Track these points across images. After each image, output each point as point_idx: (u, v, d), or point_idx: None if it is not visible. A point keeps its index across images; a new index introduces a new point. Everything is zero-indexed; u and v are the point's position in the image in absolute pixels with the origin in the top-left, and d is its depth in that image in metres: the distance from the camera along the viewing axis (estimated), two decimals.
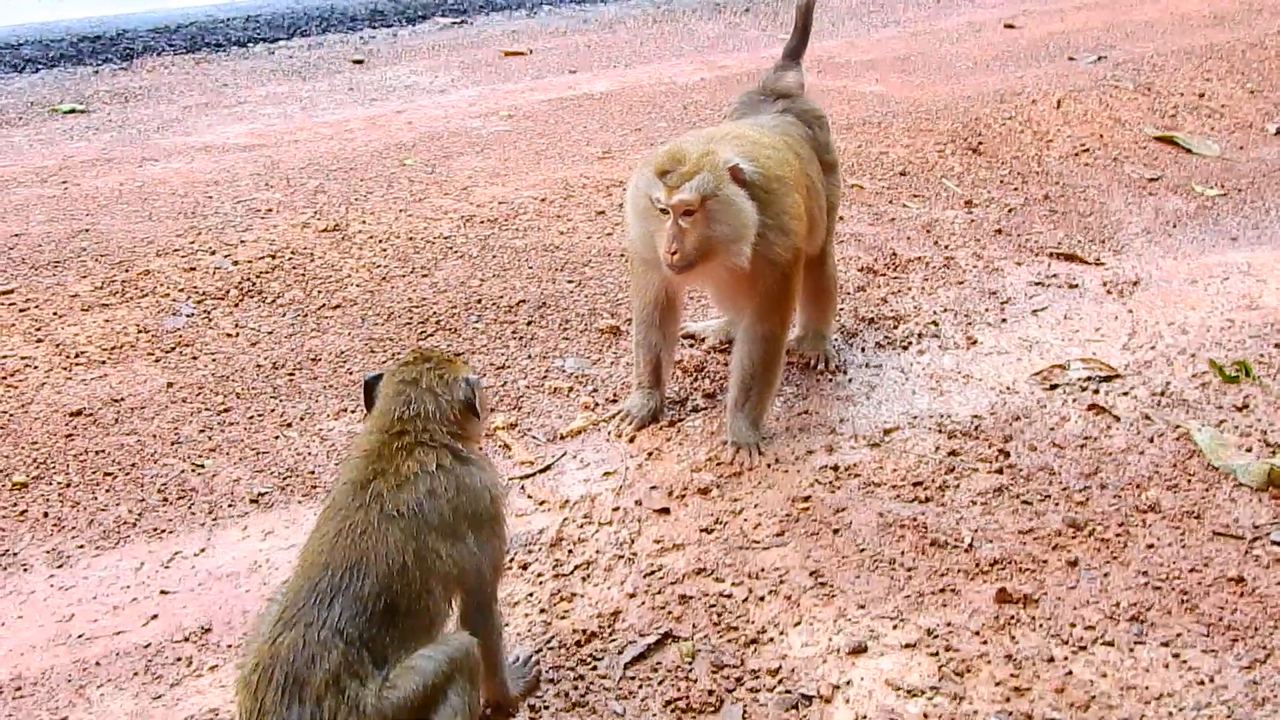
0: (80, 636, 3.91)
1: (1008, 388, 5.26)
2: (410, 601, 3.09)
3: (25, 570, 4.22)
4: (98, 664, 3.78)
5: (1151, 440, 4.82)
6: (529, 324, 5.73)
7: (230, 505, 4.52)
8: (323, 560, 3.10)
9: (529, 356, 5.50)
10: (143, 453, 4.78)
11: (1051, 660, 3.68)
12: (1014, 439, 4.84)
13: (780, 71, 5.51)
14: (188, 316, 5.59)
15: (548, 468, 4.75)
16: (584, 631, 3.83)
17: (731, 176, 4.43)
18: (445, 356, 3.50)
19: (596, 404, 5.16)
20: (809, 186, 4.96)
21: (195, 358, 5.33)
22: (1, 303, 5.77)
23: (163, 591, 4.08)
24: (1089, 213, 7.39)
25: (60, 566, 4.23)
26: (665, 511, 4.43)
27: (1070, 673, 3.64)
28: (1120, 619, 3.85)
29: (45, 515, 4.47)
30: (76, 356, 5.34)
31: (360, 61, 10.75)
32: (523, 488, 4.62)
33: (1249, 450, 4.74)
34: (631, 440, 4.88)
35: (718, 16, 12.92)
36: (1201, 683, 3.61)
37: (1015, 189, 7.66)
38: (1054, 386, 5.26)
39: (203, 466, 4.72)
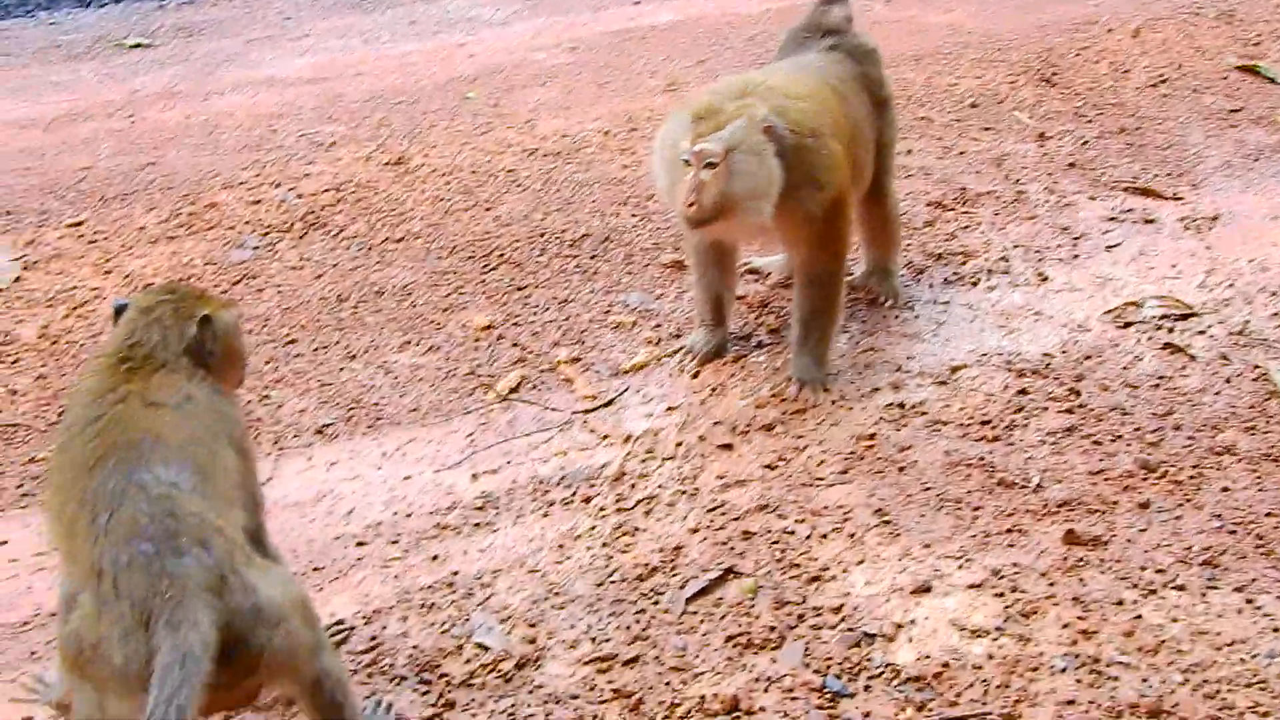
0: None
1: (1079, 325, 5.16)
2: (208, 463, 2.93)
3: None
4: None
5: (1228, 380, 4.72)
6: (592, 258, 5.69)
7: (295, 436, 4.55)
8: (97, 453, 2.86)
9: (592, 291, 5.46)
10: None
11: (1120, 603, 3.62)
12: (1085, 378, 4.76)
13: (827, 6, 5.34)
14: (253, 249, 5.60)
15: (610, 402, 4.73)
16: (646, 566, 3.82)
17: (763, 132, 4.32)
18: (195, 293, 3.30)
19: (660, 339, 5.12)
20: (853, 132, 4.84)
21: (261, 290, 5.35)
22: (70, 234, 5.81)
23: None
24: (1166, 146, 7.21)
25: None
26: (728, 447, 4.40)
27: (1139, 616, 3.57)
28: (1192, 563, 3.78)
29: None
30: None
31: None
32: (585, 422, 4.60)
33: None
34: (695, 376, 4.84)
35: None
36: (1276, 629, 3.54)
37: (1090, 121, 7.49)
38: (1127, 325, 5.16)
39: (269, 397, 4.74)
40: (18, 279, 5.58)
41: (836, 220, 4.65)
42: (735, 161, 4.26)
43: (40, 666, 3.53)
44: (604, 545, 3.93)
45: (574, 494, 4.17)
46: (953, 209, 6.25)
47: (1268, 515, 3.98)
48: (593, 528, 4.01)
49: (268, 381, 4.83)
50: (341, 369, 4.91)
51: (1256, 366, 4.79)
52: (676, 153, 4.36)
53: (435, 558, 3.93)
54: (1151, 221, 6.13)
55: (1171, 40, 8.70)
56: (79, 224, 5.86)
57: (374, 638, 3.61)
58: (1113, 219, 6.17)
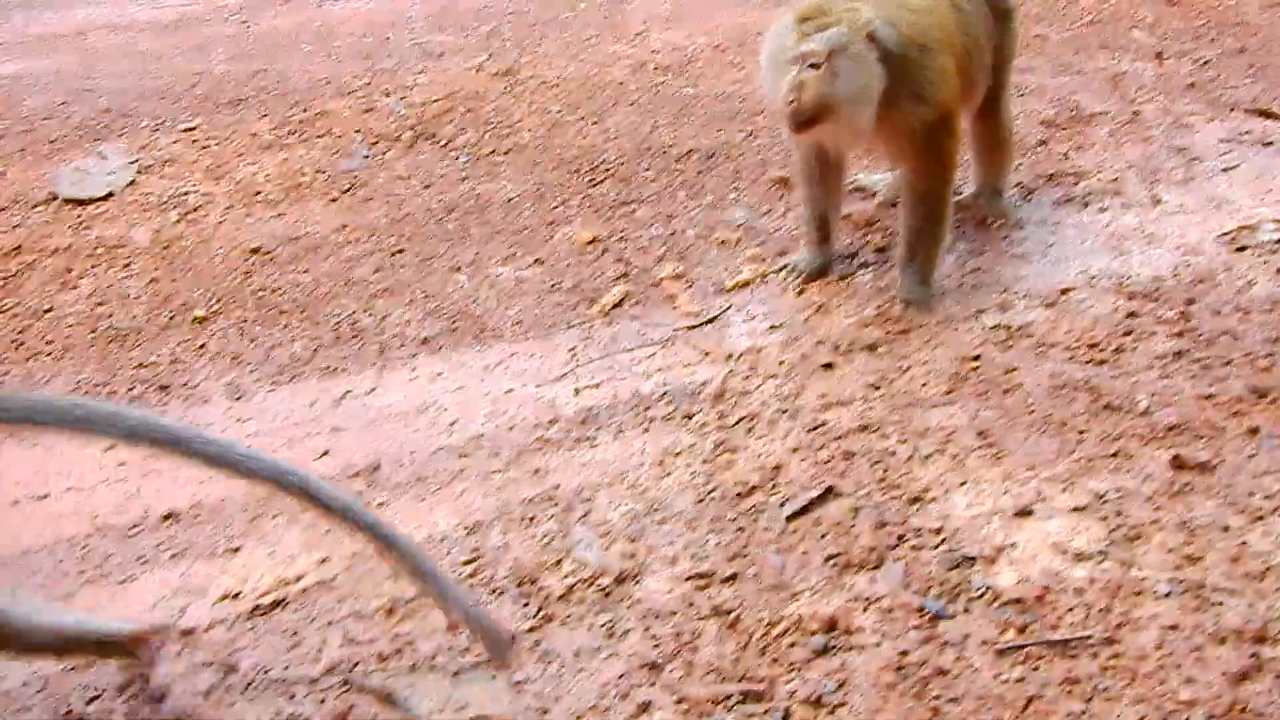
0: None
1: (1192, 248, 5.06)
2: None
3: (205, 402, 4.37)
4: (270, 497, 3.89)
5: None
6: (699, 174, 5.68)
7: (400, 346, 4.61)
8: None
9: (698, 207, 5.45)
10: (317, 291, 4.88)
11: (1227, 529, 3.58)
12: (1196, 301, 4.67)
13: None
14: (363, 158, 5.65)
15: (713, 319, 4.73)
16: (746, 484, 3.83)
17: (867, 38, 4.28)
18: None
19: (764, 257, 5.11)
20: (967, 46, 4.76)
21: (369, 200, 5.40)
22: (184, 139, 5.90)
23: (334, 429, 4.19)
24: None
25: (238, 399, 4.37)
26: (830, 367, 4.39)
27: (1245, 543, 3.53)
28: None
29: (223, 350, 4.62)
30: (255, 195, 5.45)
31: None
32: (688, 339, 4.61)
33: None
34: (799, 294, 4.83)
35: None
36: None
37: (1211, 40, 7.30)
38: (1242, 248, 5.05)
39: (374, 307, 4.81)
40: (132, 183, 5.69)
41: (944, 136, 4.59)
42: (837, 64, 4.23)
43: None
44: (704, 462, 3.94)
45: (675, 410, 4.18)
46: (1066, 128, 6.14)
47: None
48: (693, 445, 4.02)
49: (374, 291, 4.89)
50: (446, 281, 4.96)
51: None
52: (782, 53, 4.33)
53: (536, 471, 3.96)
54: (1270, 144, 5.97)
55: None
56: (192, 129, 5.95)
57: (475, 549, 3.67)
58: (1230, 140, 6.03)
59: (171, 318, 4.84)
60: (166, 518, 3.86)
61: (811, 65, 4.23)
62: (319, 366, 4.51)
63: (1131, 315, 4.59)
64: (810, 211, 4.92)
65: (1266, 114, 6.35)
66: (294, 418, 4.27)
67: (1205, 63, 6.93)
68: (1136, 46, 7.15)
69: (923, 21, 4.51)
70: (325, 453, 4.07)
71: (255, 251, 5.13)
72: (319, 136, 5.81)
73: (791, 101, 4.25)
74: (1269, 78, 6.81)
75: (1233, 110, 6.38)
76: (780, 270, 4.97)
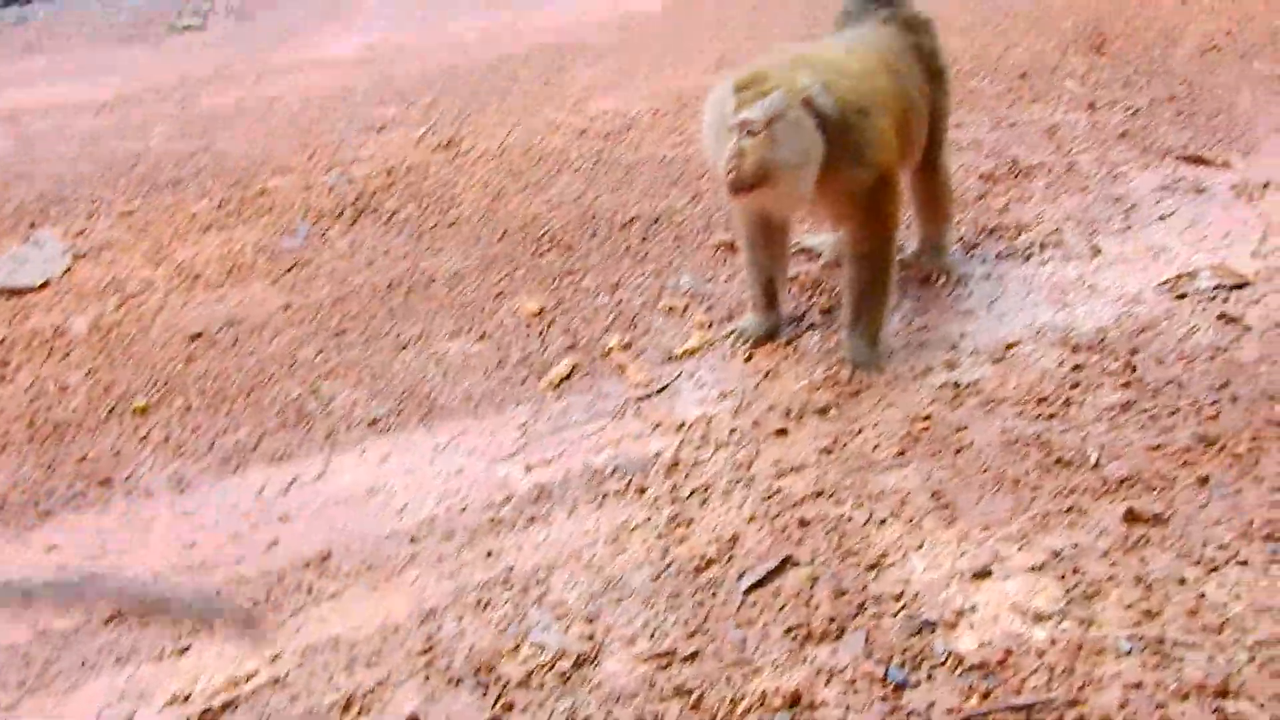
0: (202, 564, 3.97)
1: (1134, 298, 5.11)
2: None
3: (149, 496, 4.30)
4: (218, 592, 3.84)
5: None
6: (643, 240, 5.68)
7: (348, 429, 4.56)
8: None
9: (644, 274, 5.45)
10: (261, 375, 4.83)
11: (1183, 582, 3.58)
12: (1140, 351, 4.71)
13: None
14: (305, 236, 5.62)
15: (663, 389, 4.71)
16: (702, 557, 3.81)
17: (804, 104, 4.31)
18: None
19: (712, 322, 5.10)
20: (905, 106, 4.81)
21: (312, 278, 5.37)
22: (122, 223, 5.84)
23: (283, 518, 4.13)
24: (1217, 113, 7.12)
25: (182, 492, 4.31)
26: (783, 432, 4.38)
27: (1203, 595, 3.53)
28: (1254, 537, 3.73)
29: (166, 439, 4.56)
30: (195, 278, 5.40)
31: None
32: (638, 409, 4.59)
33: None
34: (748, 359, 4.83)
35: None
36: None
37: (1140, 89, 7.40)
38: (1182, 296, 5.10)
39: (320, 390, 4.76)
40: (69, 270, 5.64)
41: (885, 196, 4.62)
42: (776, 131, 4.25)
43: None
44: (659, 537, 3.91)
45: (628, 484, 4.15)
46: (1005, 181, 6.20)
47: None
48: (648, 519, 3.99)
49: (319, 373, 4.84)
50: (393, 359, 4.92)
51: None
52: (722, 120, 4.36)
53: (490, 553, 3.91)
54: (1203, 190, 6.05)
55: (1220, 5, 8.59)
56: (130, 212, 5.90)
57: (430, 637, 3.61)
58: (1164, 188, 6.10)
59: (112, 408, 4.77)
60: (110, 620, 3.78)
61: (750, 133, 4.25)
62: (265, 453, 4.45)
63: (1077, 368, 4.61)
64: (755, 276, 4.92)
65: (1198, 160, 6.43)
66: (241, 508, 4.20)
67: (1136, 111, 7.03)
68: (1069, 97, 7.24)
69: (860, 86, 4.54)
70: (274, 543, 4.01)
71: (197, 337, 5.07)
72: (260, 215, 5.77)
73: (731, 169, 4.27)
74: (1198, 124, 6.90)
75: (1165, 158, 6.46)
76: (728, 336, 4.97)
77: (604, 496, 4.12)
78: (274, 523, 4.11)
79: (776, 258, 4.92)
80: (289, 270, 5.42)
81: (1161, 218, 5.80)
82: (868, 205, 4.58)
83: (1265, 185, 6.07)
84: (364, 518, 4.10)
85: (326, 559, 3.94)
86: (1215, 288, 5.12)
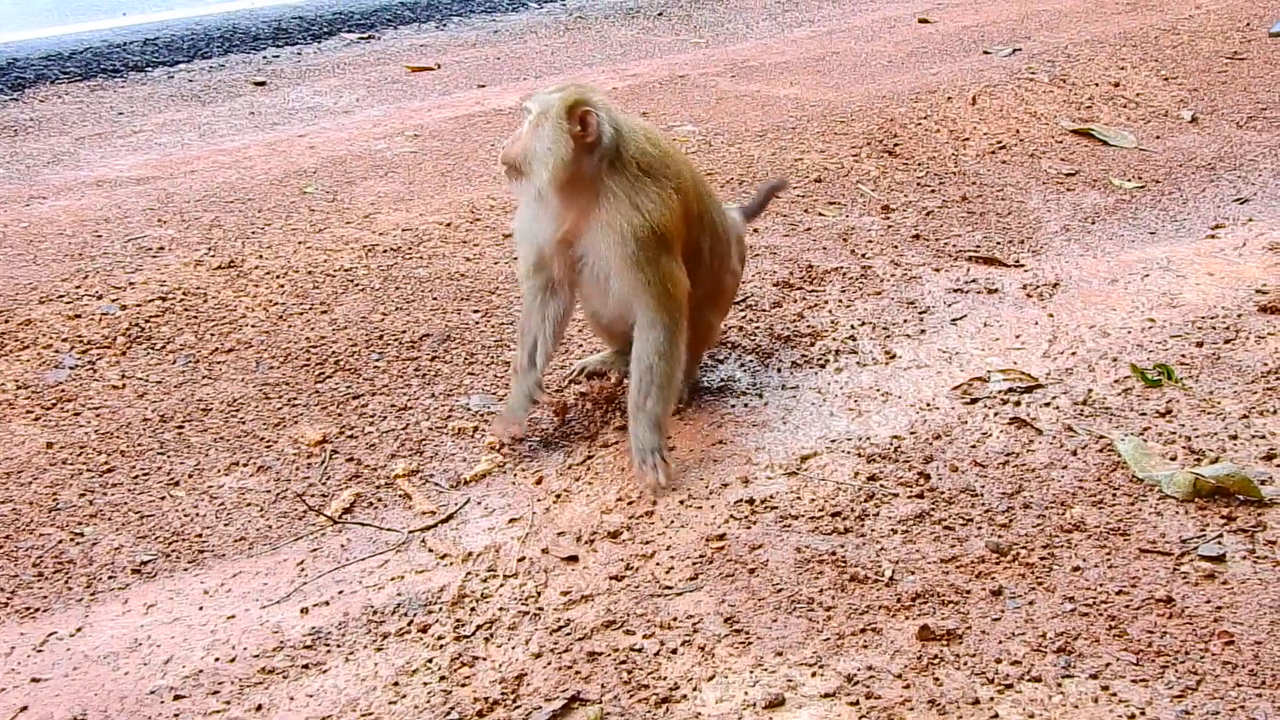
0: None
1: (927, 404, 5.09)
2: None
3: None
4: None
5: (1075, 453, 4.68)
6: (432, 359, 5.51)
7: (111, 577, 4.25)
8: None
9: (432, 395, 5.27)
10: (17, 523, 4.50)
11: (977, 702, 3.50)
12: (934, 459, 4.68)
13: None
14: (71, 369, 5.32)
15: (450, 517, 4.53)
16: (486, 700, 3.60)
17: (580, 121, 4.51)
18: None
19: (502, 444, 4.94)
20: (702, 208, 4.90)
21: (78, 414, 5.06)
22: None
23: (34, 679, 3.80)
24: (1007, 212, 7.25)
25: None
26: (574, 559, 4.22)
27: (997, 715, 3.46)
28: (1047, 651, 3.68)
29: None
30: None
31: (262, 83, 10.47)
32: (424, 541, 4.39)
33: (1173, 459, 4.61)
34: (538, 482, 4.68)
35: (631, 22, 12.73)
36: (1133, 716, 3.44)
37: (932, 191, 7.51)
38: (974, 400, 5.11)
39: (82, 535, 4.45)
40: None
41: (666, 261, 4.60)
42: (540, 126, 4.54)
43: None
44: (441, 679, 3.70)
45: (410, 623, 3.94)
46: (800, 287, 6.19)
47: (1119, 594, 3.90)
48: (429, 660, 3.78)
49: (82, 517, 4.53)
50: (163, 498, 4.64)
51: (1101, 437, 4.75)
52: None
53: (259, 708, 3.64)
54: (995, 291, 6.12)
55: (1008, 106, 8.82)
56: None
57: None
58: (957, 290, 6.16)
59: None
60: None
61: (530, 123, 4.57)
62: (18, 608, 4.11)
63: (873, 478, 4.56)
64: (526, 337, 4.91)
65: (990, 261, 6.52)
66: None
67: (929, 213, 7.12)
68: (864, 200, 7.31)
69: (657, 152, 4.68)
70: (24, 709, 3.69)
71: None
72: (22, 349, 5.44)
73: (505, 148, 4.64)
74: (990, 224, 7.02)
75: (958, 259, 6.54)
76: (503, 438, 4.96)
77: (385, 638, 3.90)
78: (24, 685, 3.78)
79: (549, 320, 4.92)
80: (52, 406, 5.11)
81: (954, 320, 5.84)
82: (648, 265, 4.55)
83: (1055, 285, 6.16)
84: (124, 675, 3.80)
85: None
86: (1007, 391, 5.15)
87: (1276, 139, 8.63)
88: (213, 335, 5.59)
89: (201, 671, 3.78)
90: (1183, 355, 5.36)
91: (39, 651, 3.92)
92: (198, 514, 4.56)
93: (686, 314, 4.71)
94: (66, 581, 4.22)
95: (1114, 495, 4.41)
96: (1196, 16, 11.50)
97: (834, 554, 4.14)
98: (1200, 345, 5.44)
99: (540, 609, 3.98)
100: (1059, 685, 3.56)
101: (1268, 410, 4.90)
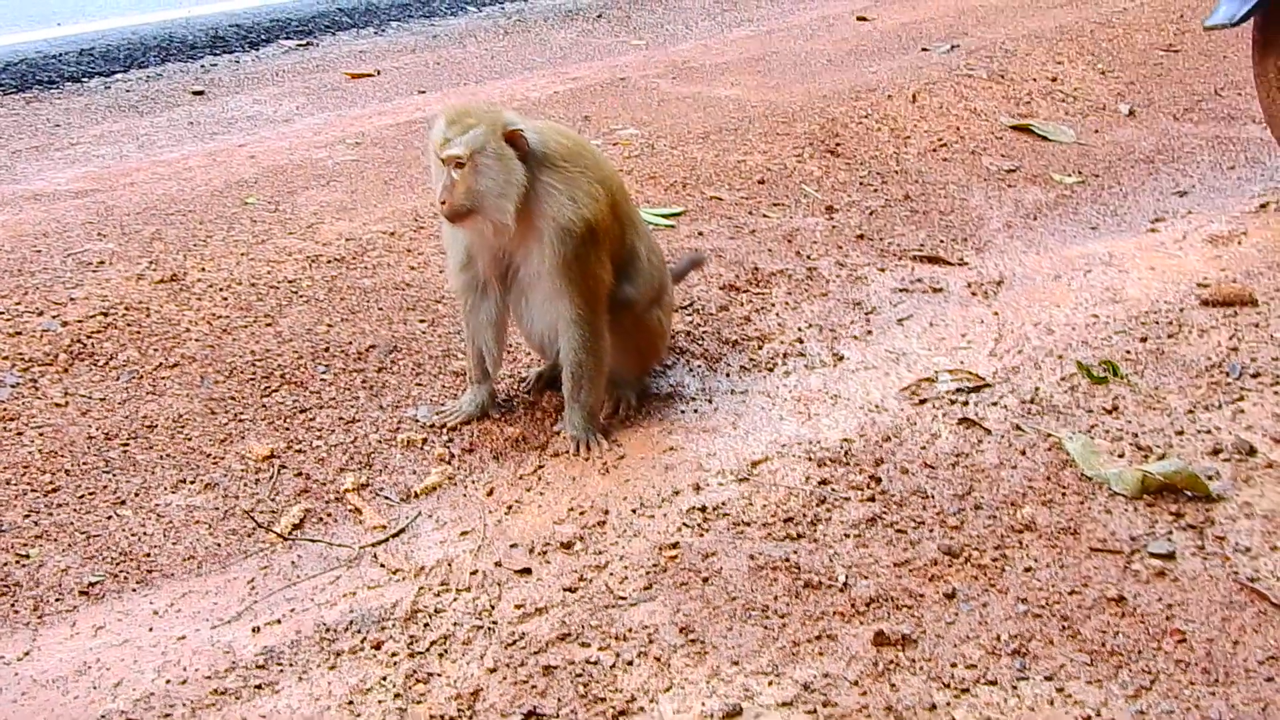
0: None
1: (876, 406, 5.11)
2: None
3: None
4: None
5: (1024, 452, 4.70)
6: (379, 371, 5.47)
7: (58, 599, 4.19)
8: None
9: (380, 407, 5.23)
10: None
11: (934, 708, 3.51)
12: (885, 461, 4.69)
13: None
14: (12, 387, 5.23)
15: (401, 531, 4.49)
16: (442, 717, 3.56)
17: (509, 140, 4.62)
18: None
19: (453, 455, 4.92)
20: (622, 201, 5.05)
21: (20, 433, 4.98)
22: None
23: None
24: (949, 210, 7.28)
25: None
26: (527, 571, 4.20)
27: None
28: (1002, 653, 3.70)
29: None
30: None
31: (200, 93, 10.35)
32: (375, 556, 4.36)
33: (1120, 456, 4.64)
34: (490, 493, 4.66)
35: (570, 24, 12.70)
36: (1088, 717, 3.47)
37: (875, 190, 7.53)
38: (923, 401, 5.13)
39: (28, 556, 4.38)
40: None
41: (589, 260, 4.76)
42: (479, 163, 4.57)
43: None
44: (395, 697, 3.66)
45: (363, 640, 3.90)
46: (746, 291, 6.19)
47: (1071, 594, 3.93)
48: (384, 678, 3.74)
49: (26, 538, 4.45)
50: (110, 517, 4.57)
51: (1049, 435, 4.78)
52: (434, 155, 4.66)
53: None
54: (939, 290, 6.14)
55: (948, 103, 8.85)
56: None
57: None
58: (902, 290, 6.18)
59: None
60: None
61: (458, 165, 4.55)
62: None
63: (824, 482, 4.57)
64: (471, 346, 5.11)
65: (934, 260, 6.55)
66: None
67: (872, 212, 7.14)
68: (808, 200, 7.32)
69: (574, 146, 4.88)
70: None
71: None
72: None
73: (444, 200, 4.60)
74: (932, 223, 7.05)
75: (903, 258, 6.56)
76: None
77: (338, 655, 3.86)
78: None
79: (491, 325, 5.09)
80: None
81: (900, 321, 5.86)
82: (575, 263, 4.73)
83: (999, 282, 6.20)
84: (74, 699, 3.74)
85: None
86: (955, 391, 5.17)
87: (1214, 131, 8.72)
88: (156, 350, 5.52)
89: (152, 694, 3.72)
90: (1127, 351, 5.41)
91: None
92: (145, 533, 4.50)
93: (606, 308, 4.90)
94: (13, 604, 4.15)
95: (1063, 494, 4.44)
96: (1131, 10, 11.60)
97: (787, 560, 4.15)
98: (1144, 340, 5.48)
99: (495, 623, 3.96)
100: (1014, 688, 3.58)
101: (1212, 405, 4.94)
